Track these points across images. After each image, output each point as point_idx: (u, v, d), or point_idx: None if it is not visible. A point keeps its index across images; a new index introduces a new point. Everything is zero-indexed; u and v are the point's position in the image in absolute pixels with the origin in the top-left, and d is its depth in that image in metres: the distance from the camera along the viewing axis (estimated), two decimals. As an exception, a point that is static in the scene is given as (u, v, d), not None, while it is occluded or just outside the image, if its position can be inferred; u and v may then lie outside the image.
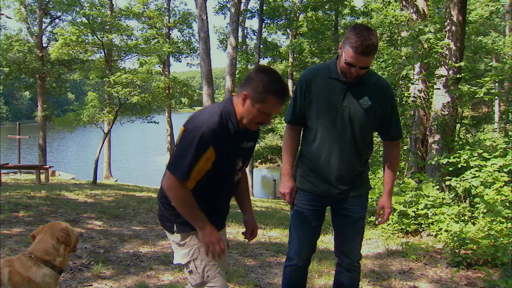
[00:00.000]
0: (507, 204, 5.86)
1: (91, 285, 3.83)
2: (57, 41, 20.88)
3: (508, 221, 5.67)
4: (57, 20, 24.94)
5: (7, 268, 2.24)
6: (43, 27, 24.00)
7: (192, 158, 2.24)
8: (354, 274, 2.98)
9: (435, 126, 7.78)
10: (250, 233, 2.67)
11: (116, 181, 22.07)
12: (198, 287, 2.43)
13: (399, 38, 10.39)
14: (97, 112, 15.91)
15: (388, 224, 6.61)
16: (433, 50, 8.05)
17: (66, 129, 18.14)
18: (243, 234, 2.70)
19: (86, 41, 20.58)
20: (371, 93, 2.74)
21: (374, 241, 6.13)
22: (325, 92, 2.76)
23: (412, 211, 6.41)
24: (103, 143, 14.49)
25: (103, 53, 20.44)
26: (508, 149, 7.31)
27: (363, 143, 2.83)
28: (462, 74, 7.86)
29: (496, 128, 15.26)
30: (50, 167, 14.34)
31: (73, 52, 21.85)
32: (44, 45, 24.11)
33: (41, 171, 12.51)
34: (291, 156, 2.96)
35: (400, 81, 9.76)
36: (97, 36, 18.90)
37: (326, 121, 2.77)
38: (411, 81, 9.21)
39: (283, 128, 24.02)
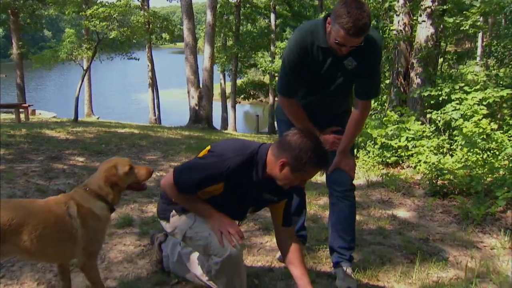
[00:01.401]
0: (484, 136, 6.00)
1: (75, 218, 3.87)
2: (28, -27, 19.84)
3: (483, 152, 5.83)
4: (27, -50, 23.55)
5: (72, 201, 2.23)
6: (12, -42, 22.67)
7: (198, 180, 2.17)
8: (349, 203, 2.86)
9: (417, 59, 7.76)
10: None
11: (98, 118, 21.87)
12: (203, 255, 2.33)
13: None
14: (75, 48, 15.48)
15: (369, 157, 6.74)
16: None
17: (44, 67, 17.70)
18: None
19: (60, -28, 19.56)
20: (358, 54, 2.53)
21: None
22: (315, 62, 2.60)
23: (394, 143, 6.54)
24: (82, 80, 14.20)
25: (78, -14, 19.50)
26: (488, 83, 7.38)
27: (349, 102, 2.90)
28: (448, 6, 7.76)
29: (478, 62, 15.25)
30: (29, 105, 14.08)
31: (46, -15, 20.83)
32: (15, -23, 22.88)
33: (20, 109, 12.29)
34: (305, 121, 2.74)
35: (383, 14, 9.60)
36: (70, -33, 18.00)
37: (316, 88, 2.75)
38: (396, 13, 9.05)
39: (265, 63, 23.62)
